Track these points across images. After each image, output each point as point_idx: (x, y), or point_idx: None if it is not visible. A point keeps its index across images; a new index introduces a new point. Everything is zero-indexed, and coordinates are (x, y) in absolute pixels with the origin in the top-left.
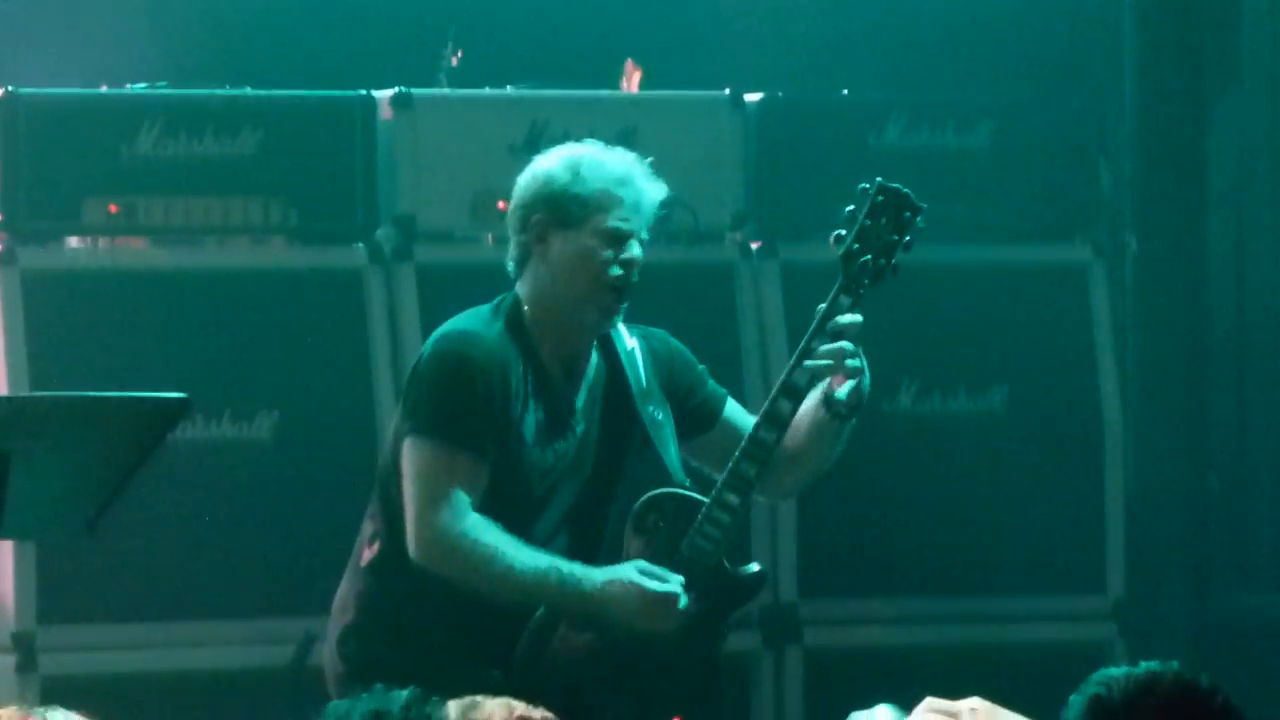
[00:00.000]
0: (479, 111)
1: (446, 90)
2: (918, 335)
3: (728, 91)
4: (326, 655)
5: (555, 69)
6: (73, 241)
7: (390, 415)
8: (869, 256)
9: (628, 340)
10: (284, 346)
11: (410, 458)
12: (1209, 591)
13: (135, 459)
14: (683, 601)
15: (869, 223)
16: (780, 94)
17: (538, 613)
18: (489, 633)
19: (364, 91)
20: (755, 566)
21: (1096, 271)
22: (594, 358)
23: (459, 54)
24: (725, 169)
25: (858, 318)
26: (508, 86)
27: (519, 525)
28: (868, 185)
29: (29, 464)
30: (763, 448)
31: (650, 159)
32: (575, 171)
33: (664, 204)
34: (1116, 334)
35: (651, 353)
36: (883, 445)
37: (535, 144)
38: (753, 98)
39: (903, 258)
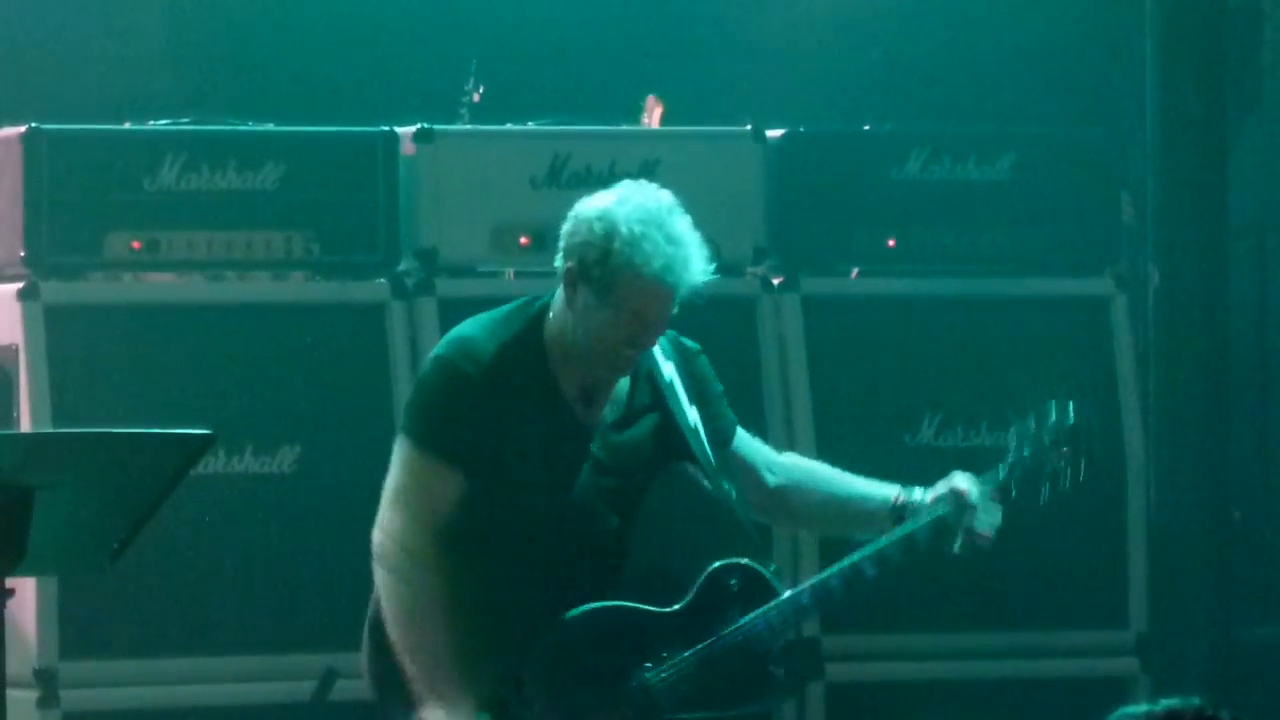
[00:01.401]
0: (500, 146)
1: (468, 125)
2: (939, 368)
3: (749, 126)
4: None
5: (577, 104)
6: (96, 276)
7: None
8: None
9: (664, 367)
10: (306, 380)
11: (395, 453)
12: (1232, 625)
13: (158, 494)
14: None
15: (1044, 438)
16: (801, 128)
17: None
18: (495, 637)
19: (386, 127)
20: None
21: (1118, 303)
22: (624, 383)
23: (481, 89)
24: (747, 203)
25: (990, 533)
26: (529, 122)
27: (525, 540)
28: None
29: (52, 499)
30: (860, 578)
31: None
32: (632, 244)
33: None
34: (1139, 366)
35: (688, 374)
36: (905, 479)
37: (556, 178)
38: (774, 132)
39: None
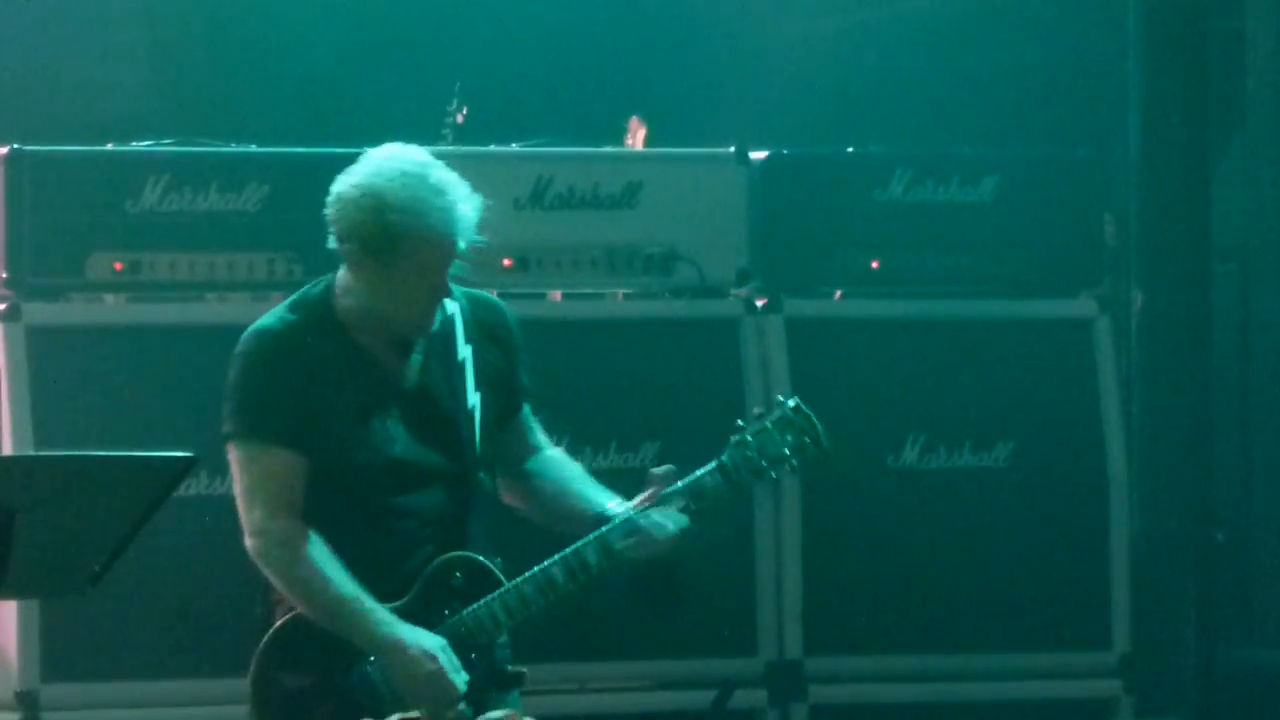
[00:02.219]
0: (483, 168)
1: (451, 147)
2: (923, 390)
3: (733, 148)
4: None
5: (560, 126)
6: (78, 297)
7: None
8: (756, 456)
9: (461, 348)
10: None
11: (231, 461)
12: (1215, 646)
13: (140, 517)
14: (461, 688)
15: (773, 430)
16: (785, 150)
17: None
18: None
19: (368, 148)
20: (520, 669)
21: (1101, 325)
22: (417, 357)
23: (464, 111)
24: (730, 224)
25: (685, 520)
26: (512, 143)
27: (376, 507)
28: (784, 399)
29: (34, 522)
30: (587, 569)
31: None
32: (406, 210)
33: (670, 259)
34: (1121, 388)
35: (487, 348)
36: (888, 501)
37: (540, 200)
38: (758, 154)
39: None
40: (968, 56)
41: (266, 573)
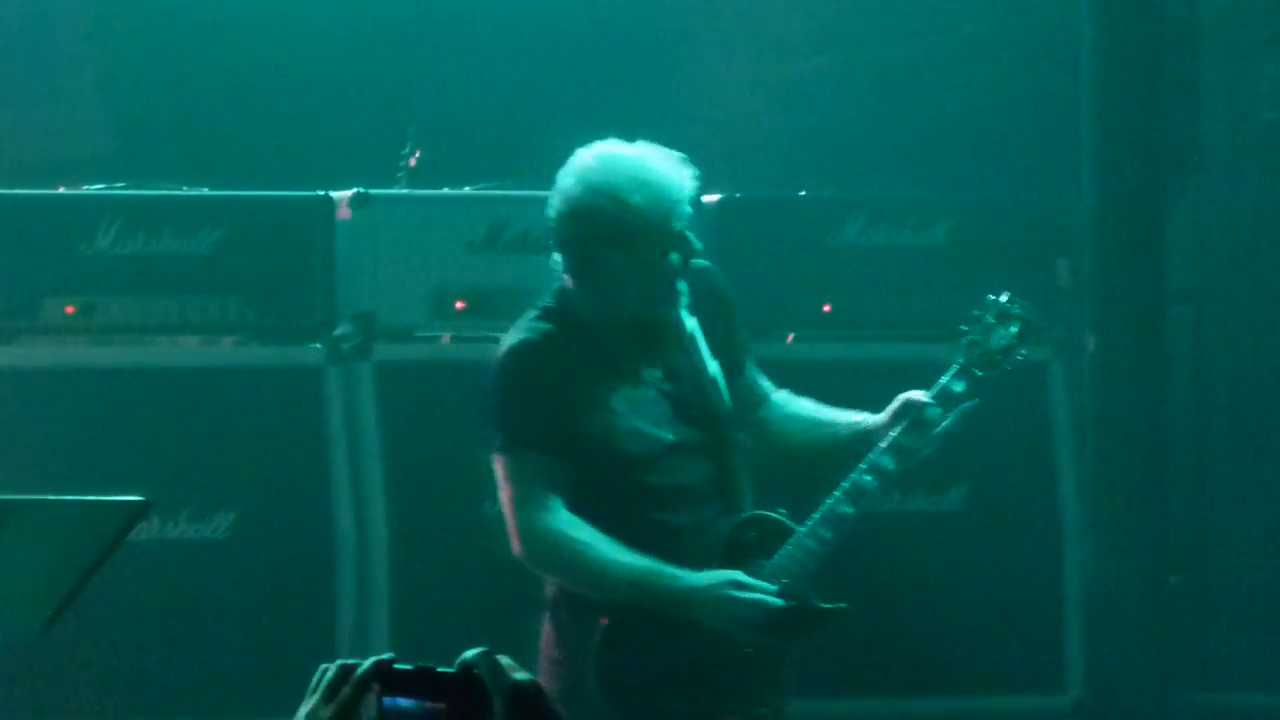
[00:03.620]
0: (437, 210)
1: (405, 190)
2: None
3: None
4: None
5: (515, 169)
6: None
7: (344, 512)
8: (990, 351)
9: (687, 320)
10: (242, 445)
11: (498, 471)
12: (1169, 691)
13: (93, 561)
14: (776, 602)
15: (996, 323)
16: (737, 194)
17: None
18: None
19: (322, 191)
20: (839, 605)
21: (1055, 369)
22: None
23: (418, 154)
24: None
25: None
26: (466, 186)
27: (656, 493)
28: (996, 297)
29: None
30: (864, 493)
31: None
32: (633, 208)
33: None
34: (1075, 432)
35: (705, 313)
36: (843, 548)
37: (494, 242)
38: (710, 197)
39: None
40: (922, 101)
41: (546, 575)
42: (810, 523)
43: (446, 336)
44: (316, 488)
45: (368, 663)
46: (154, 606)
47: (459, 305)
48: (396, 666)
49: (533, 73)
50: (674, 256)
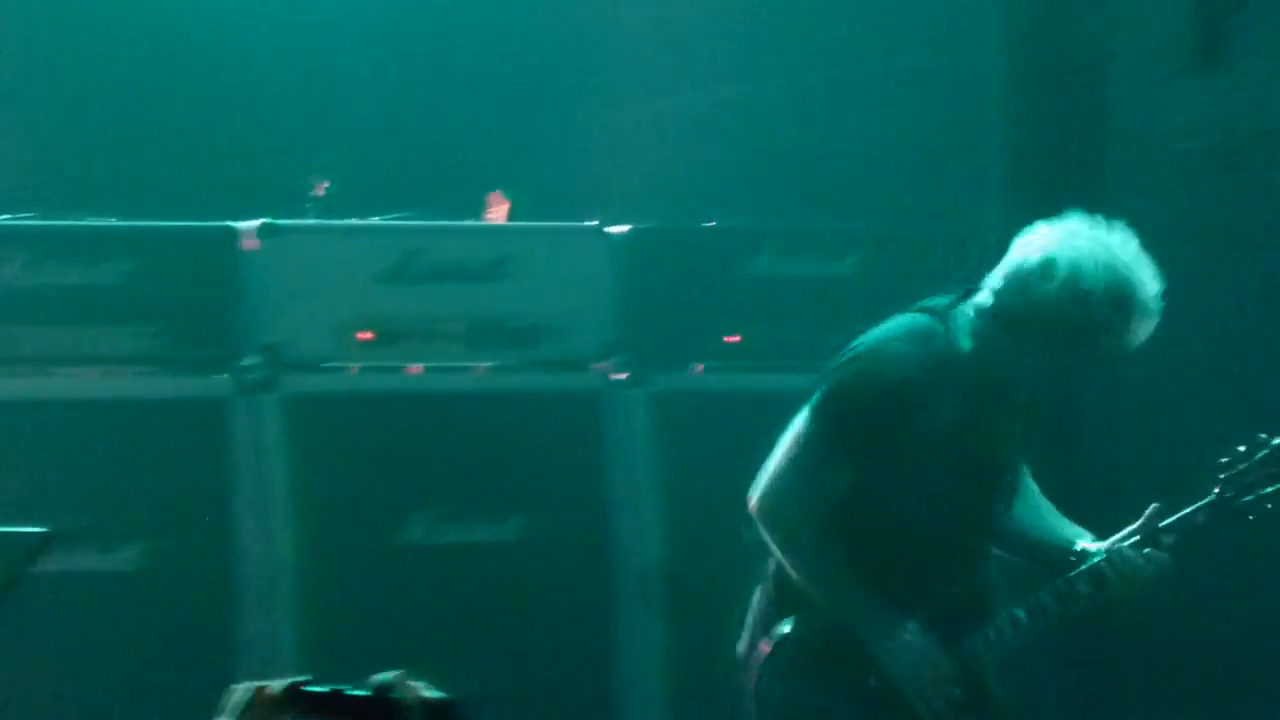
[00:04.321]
0: (345, 241)
1: (312, 220)
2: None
3: (596, 222)
4: None
5: (423, 200)
6: None
7: (252, 544)
8: (1243, 494)
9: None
10: (148, 476)
11: (799, 423)
12: None
13: None
14: (952, 669)
15: (1260, 464)
16: (648, 225)
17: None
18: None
19: (228, 223)
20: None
21: None
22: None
23: (325, 184)
24: (594, 298)
25: (1165, 559)
26: (374, 217)
27: (929, 539)
28: (1267, 436)
29: None
30: (1073, 599)
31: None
32: (1118, 308)
33: (533, 332)
34: None
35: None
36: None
37: (402, 273)
38: (621, 228)
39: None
40: (832, 131)
41: (772, 534)
42: (1014, 609)
43: (355, 367)
44: (221, 519)
45: (281, 683)
46: (58, 638)
47: (366, 336)
48: (308, 689)
49: (441, 104)
50: (1079, 361)
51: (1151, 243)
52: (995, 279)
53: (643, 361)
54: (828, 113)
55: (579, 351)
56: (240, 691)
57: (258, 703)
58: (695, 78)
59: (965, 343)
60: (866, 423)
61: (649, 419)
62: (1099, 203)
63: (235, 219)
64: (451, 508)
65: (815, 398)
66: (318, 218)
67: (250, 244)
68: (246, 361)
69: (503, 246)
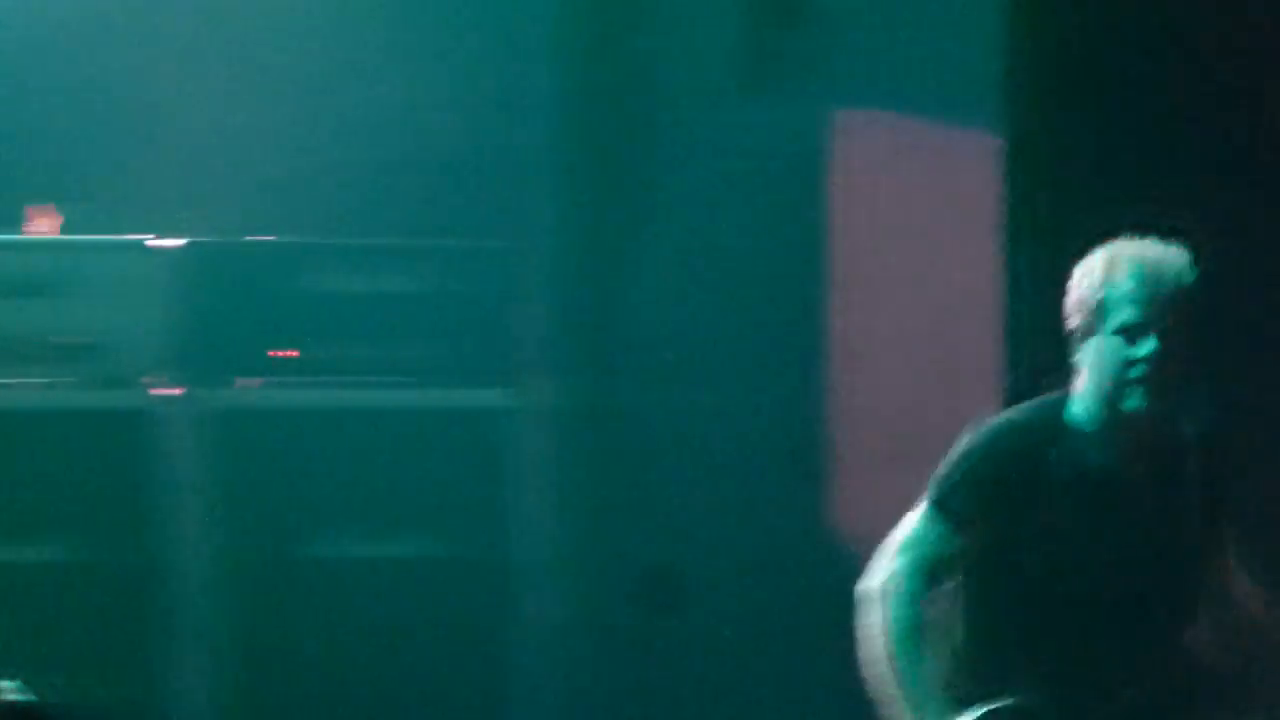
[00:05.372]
0: None
1: None
2: (345, 480)
3: (147, 237)
4: None
5: None
6: None
7: None
8: None
9: None
10: None
11: None
12: None
13: None
14: None
15: None
16: (203, 239)
17: None
18: None
19: None
20: None
21: (519, 415)
22: None
23: None
24: (145, 313)
25: None
26: None
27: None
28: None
29: None
30: None
31: None
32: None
33: (80, 348)
34: (537, 478)
35: None
36: (305, 590)
37: None
38: (176, 242)
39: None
40: (386, 147)
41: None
42: None
43: None
44: None
45: None
46: None
47: None
48: None
49: None
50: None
51: (705, 259)
52: None
53: (197, 377)
54: (382, 129)
55: (130, 367)
56: None
57: None
58: (260, 92)
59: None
60: (963, 483)
61: (199, 435)
62: (653, 218)
63: None
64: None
65: None
66: None
67: None
68: None
69: (51, 260)
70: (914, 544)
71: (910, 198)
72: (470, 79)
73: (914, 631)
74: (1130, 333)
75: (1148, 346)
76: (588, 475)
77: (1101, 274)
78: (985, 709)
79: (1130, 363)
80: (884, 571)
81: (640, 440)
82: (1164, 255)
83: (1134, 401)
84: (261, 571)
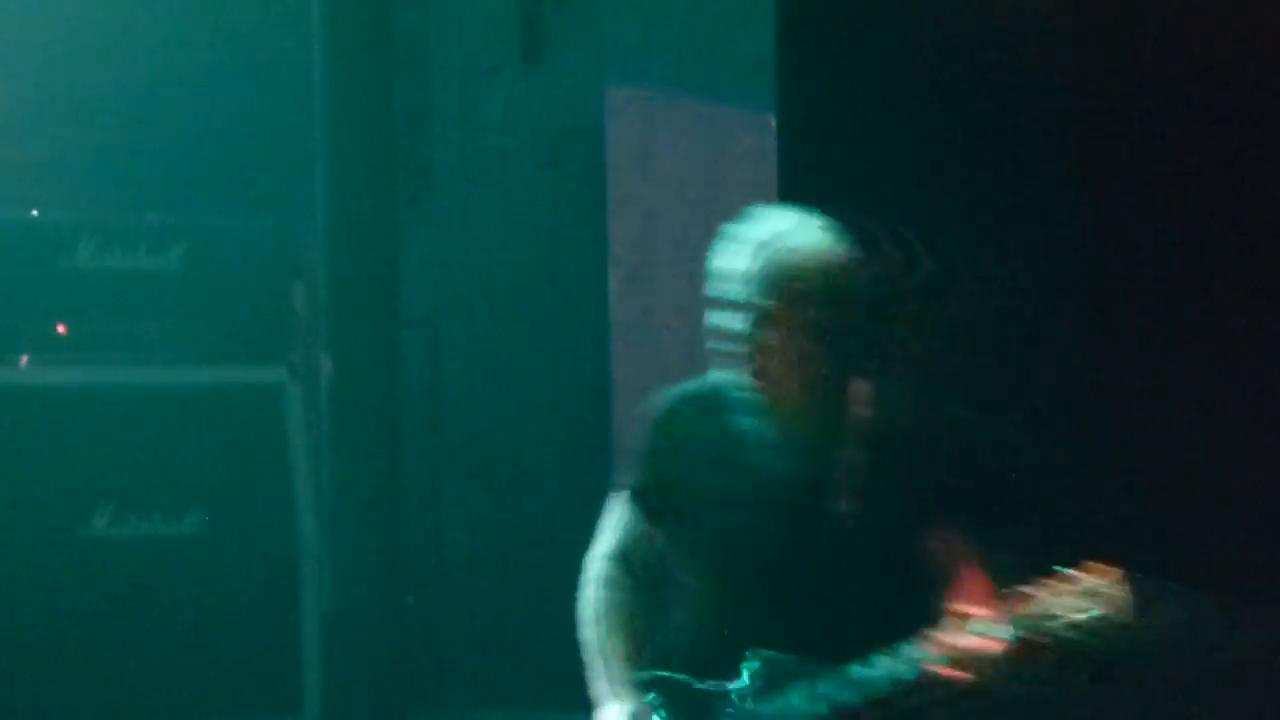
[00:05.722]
0: None
1: None
2: (113, 458)
3: None
4: None
5: None
6: None
7: None
8: None
9: None
10: None
11: None
12: (406, 711)
13: None
14: None
15: None
16: None
17: None
18: None
19: None
20: None
21: (292, 392)
22: None
23: None
24: None
25: None
26: None
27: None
28: None
29: None
30: None
31: None
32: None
33: None
34: (312, 455)
35: None
36: (77, 571)
37: None
38: None
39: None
40: (157, 124)
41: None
42: None
43: None
44: None
45: None
46: None
47: None
48: None
49: None
50: None
51: (479, 237)
52: None
53: None
54: (152, 105)
55: None
56: None
57: None
58: (14, 68)
59: None
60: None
61: None
62: (426, 196)
63: None
64: None
65: None
66: None
67: None
68: None
69: None
70: (616, 526)
71: (685, 175)
72: (235, 54)
73: (609, 612)
74: (739, 309)
75: (749, 324)
76: (361, 452)
77: (735, 249)
78: (656, 675)
79: (738, 337)
80: (594, 550)
81: (411, 417)
82: (806, 239)
83: (744, 377)
84: (29, 553)
